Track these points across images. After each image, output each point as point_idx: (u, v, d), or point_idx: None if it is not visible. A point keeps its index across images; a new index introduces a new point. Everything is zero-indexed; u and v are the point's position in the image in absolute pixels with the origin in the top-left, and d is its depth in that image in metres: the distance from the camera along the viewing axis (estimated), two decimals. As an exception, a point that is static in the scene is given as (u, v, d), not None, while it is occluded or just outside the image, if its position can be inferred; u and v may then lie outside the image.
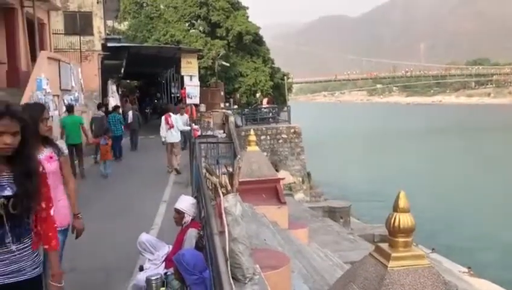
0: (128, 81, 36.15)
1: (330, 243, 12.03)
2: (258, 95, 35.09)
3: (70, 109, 11.99)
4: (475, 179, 34.55)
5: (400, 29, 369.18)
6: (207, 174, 4.53)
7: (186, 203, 4.34)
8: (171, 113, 12.51)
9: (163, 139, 12.19)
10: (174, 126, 12.00)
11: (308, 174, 27.10)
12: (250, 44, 37.15)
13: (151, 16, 36.20)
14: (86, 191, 9.67)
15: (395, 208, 4.04)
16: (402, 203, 4.06)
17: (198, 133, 17.08)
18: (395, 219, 3.97)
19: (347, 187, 31.43)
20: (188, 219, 4.26)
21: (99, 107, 15.00)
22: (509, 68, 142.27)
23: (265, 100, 31.01)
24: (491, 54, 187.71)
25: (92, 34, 19.83)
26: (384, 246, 4.31)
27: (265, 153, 17.53)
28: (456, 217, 24.67)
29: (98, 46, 19.84)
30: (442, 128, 71.17)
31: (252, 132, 11.84)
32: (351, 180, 34.46)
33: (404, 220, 3.99)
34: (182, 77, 23.67)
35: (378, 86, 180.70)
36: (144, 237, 4.53)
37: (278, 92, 37.84)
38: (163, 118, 12.33)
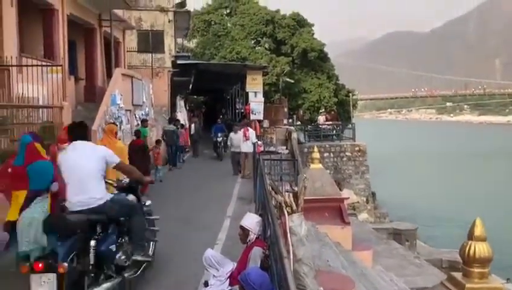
0: (195, 96, 37.26)
1: (395, 266, 11.55)
2: (321, 111, 34.86)
3: (143, 122, 13.42)
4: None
5: (473, 44, 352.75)
6: (272, 192, 4.53)
7: (251, 221, 4.35)
8: (248, 128, 14.63)
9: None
10: (249, 138, 13.80)
11: (373, 194, 26.37)
12: (314, 60, 37.15)
13: (219, 34, 37.26)
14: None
15: (471, 236, 3.83)
16: (478, 231, 3.84)
17: (261, 148, 17.22)
18: (470, 247, 3.77)
19: (413, 209, 30.16)
20: (252, 237, 4.27)
21: (170, 121, 17.32)
22: None
23: (322, 117, 30.65)
24: None
25: (163, 52, 20.73)
26: (458, 275, 4.08)
27: (328, 171, 17.28)
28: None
29: (168, 63, 20.68)
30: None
31: (315, 149, 11.76)
32: (417, 202, 33.06)
33: (481, 249, 3.77)
34: (247, 93, 24.03)
35: (448, 104, 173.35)
36: (209, 252, 4.58)
37: (342, 109, 37.39)
38: (240, 131, 14.47)
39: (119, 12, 16.73)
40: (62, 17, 12.22)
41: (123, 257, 4.27)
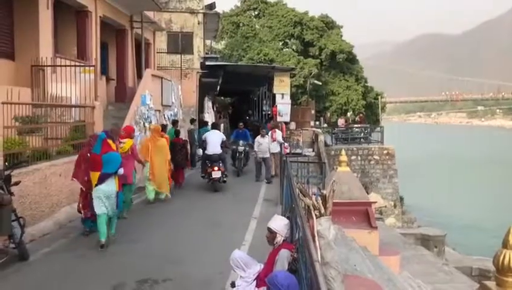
0: (222, 98, 37.51)
1: (423, 273, 11.35)
2: (349, 114, 34.57)
3: (174, 123, 14.07)
4: None
5: (506, 47, 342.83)
6: (300, 195, 4.51)
7: (279, 223, 4.34)
8: (276, 130, 14.37)
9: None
10: (276, 140, 13.73)
11: (401, 199, 25.97)
12: (343, 62, 36.88)
13: (247, 36, 37.42)
14: (176, 199, 10.13)
15: (505, 245, 3.73)
16: (514, 239, 3.72)
17: (287, 150, 17.18)
18: (504, 256, 3.67)
19: (442, 214, 29.57)
20: (279, 239, 4.26)
21: (192, 122, 16.91)
22: None
23: (341, 120, 30.36)
24: None
25: (192, 53, 20.93)
26: (491, 284, 3.99)
27: (355, 174, 17.10)
28: None
29: (197, 65, 20.87)
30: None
31: (343, 152, 11.66)
32: (446, 208, 32.38)
33: (516, 258, 3.65)
34: (274, 95, 24.04)
35: (480, 108, 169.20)
36: (237, 253, 4.59)
37: (371, 112, 37.00)
38: (268, 135, 13.96)
39: (149, 14, 16.99)
40: (95, 19, 12.52)
41: None
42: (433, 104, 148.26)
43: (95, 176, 6.77)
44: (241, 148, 14.14)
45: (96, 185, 6.63)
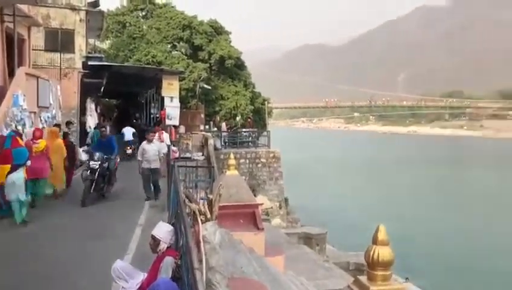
0: (107, 99, 35.79)
1: (306, 270, 11.96)
2: (238, 118, 35.23)
3: (68, 124, 14.32)
4: (447, 209, 35.08)
5: (380, 59, 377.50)
6: (186, 200, 4.47)
7: (163, 230, 4.25)
8: (163, 131, 14.21)
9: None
10: (164, 141, 13.57)
11: (286, 200, 27.07)
12: (231, 68, 37.45)
13: (134, 36, 36.25)
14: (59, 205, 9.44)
15: (375, 241, 4.05)
16: (381, 236, 4.08)
17: (177, 155, 16.96)
18: (374, 252, 3.99)
19: (324, 213, 31.49)
20: (163, 246, 4.17)
21: (67, 124, 15.29)
22: (483, 102, 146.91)
23: (224, 124, 31.09)
24: (465, 88, 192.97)
25: (73, 52, 19.65)
26: (363, 279, 4.30)
27: (243, 177, 17.46)
28: (430, 245, 24.92)
29: (78, 64, 19.65)
30: (416, 158, 72.33)
31: (231, 155, 11.83)
32: (328, 207, 34.58)
33: (384, 253, 4.00)
34: (163, 98, 23.57)
35: (356, 114, 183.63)
36: (118, 264, 4.39)
37: (258, 116, 38.07)
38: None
39: (24, 7, 15.58)
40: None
41: None
42: (315, 110, 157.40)
43: (4, 169, 8.13)
44: (94, 164, 10.58)
45: (7, 174, 8.06)
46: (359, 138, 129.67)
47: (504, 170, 60.53)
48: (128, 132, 19.64)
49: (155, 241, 4.17)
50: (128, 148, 18.85)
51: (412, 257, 21.59)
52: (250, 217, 10.21)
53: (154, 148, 11.20)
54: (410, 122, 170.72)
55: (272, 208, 24.50)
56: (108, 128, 19.18)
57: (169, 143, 13.61)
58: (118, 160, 11.99)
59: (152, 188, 10.98)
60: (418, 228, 28.66)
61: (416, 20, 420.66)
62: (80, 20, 19.74)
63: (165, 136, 13.81)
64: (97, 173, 10.49)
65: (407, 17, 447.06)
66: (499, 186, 48.04)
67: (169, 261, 3.91)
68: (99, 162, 10.62)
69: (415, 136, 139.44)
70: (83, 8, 19.73)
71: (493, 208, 35.42)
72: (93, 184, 10.39)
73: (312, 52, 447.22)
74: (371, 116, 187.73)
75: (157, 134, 12.94)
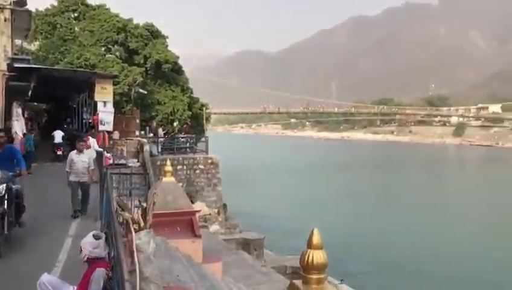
0: (35, 103, 33.94)
1: (244, 276, 11.95)
2: (175, 124, 34.77)
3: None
4: (381, 211, 36.67)
5: (314, 67, 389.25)
6: (119, 209, 4.32)
7: (85, 239, 4.09)
8: (89, 137, 13.57)
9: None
10: (91, 147, 12.79)
11: (224, 206, 27.01)
12: (168, 72, 36.96)
13: (65, 38, 34.79)
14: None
15: (309, 245, 4.11)
16: (315, 240, 4.15)
17: (110, 161, 16.42)
18: (308, 255, 4.05)
19: (263, 218, 31.70)
20: (84, 255, 4.00)
21: None
22: (410, 109, 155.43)
23: (160, 130, 30.90)
24: (396, 95, 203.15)
25: (-4, 53, 18.48)
26: (298, 283, 4.35)
27: (181, 184, 17.23)
28: (366, 247, 25.85)
29: (3, 66, 18.46)
30: (351, 163, 75.18)
31: (168, 161, 11.60)
32: (266, 212, 34.87)
33: (318, 257, 4.06)
34: (96, 102, 22.74)
35: (292, 120, 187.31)
36: (45, 277, 4.15)
37: (196, 122, 37.83)
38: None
39: None
40: None
41: None
42: (253, 116, 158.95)
43: None
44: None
45: None
46: (296, 143, 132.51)
47: (429, 171, 65.25)
48: (59, 135, 20.31)
49: (83, 251, 4.00)
50: (58, 150, 19.31)
51: (349, 260, 22.27)
52: (188, 224, 10.04)
53: (84, 159, 10.33)
54: (344, 128, 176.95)
55: (210, 214, 24.33)
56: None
57: (97, 148, 13.04)
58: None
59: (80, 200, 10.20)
60: (353, 230, 29.62)
61: (349, 29, 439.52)
62: (5, 20, 18.60)
63: (92, 141, 13.17)
64: (5, 202, 6.95)
65: (341, 26, 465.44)
66: (426, 186, 51.71)
67: (100, 273, 3.75)
68: (4, 185, 7.01)
69: (349, 142, 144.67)
70: (8, 7, 18.58)
71: (424, 208, 37.47)
72: (4, 219, 6.87)
73: (249, 59, 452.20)
74: (307, 123, 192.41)
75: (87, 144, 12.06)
